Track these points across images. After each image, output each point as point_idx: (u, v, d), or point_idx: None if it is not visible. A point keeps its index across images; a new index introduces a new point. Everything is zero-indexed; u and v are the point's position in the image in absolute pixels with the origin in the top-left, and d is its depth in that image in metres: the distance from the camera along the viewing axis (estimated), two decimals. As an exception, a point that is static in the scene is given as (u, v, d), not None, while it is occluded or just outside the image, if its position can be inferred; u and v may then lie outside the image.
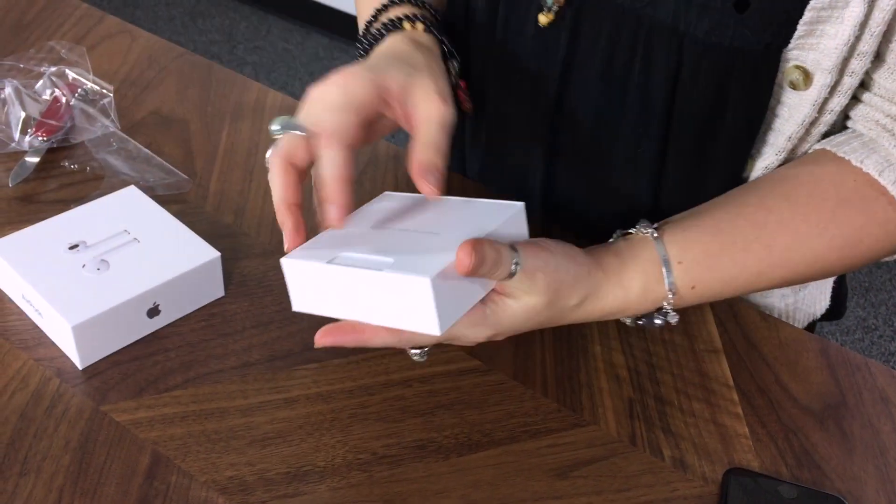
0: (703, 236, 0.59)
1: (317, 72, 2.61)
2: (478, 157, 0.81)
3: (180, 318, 0.64)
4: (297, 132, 0.54)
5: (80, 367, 0.60)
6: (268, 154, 0.56)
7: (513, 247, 0.52)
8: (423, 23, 0.65)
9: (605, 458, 0.57)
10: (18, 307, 0.63)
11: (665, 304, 0.59)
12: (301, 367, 0.62)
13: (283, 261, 0.54)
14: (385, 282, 0.49)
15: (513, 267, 0.51)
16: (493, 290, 0.54)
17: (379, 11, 0.68)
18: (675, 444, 0.58)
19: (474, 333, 0.54)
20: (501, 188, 0.79)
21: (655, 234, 0.58)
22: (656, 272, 0.58)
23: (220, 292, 0.66)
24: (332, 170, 0.52)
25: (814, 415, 0.62)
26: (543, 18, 0.66)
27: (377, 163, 0.81)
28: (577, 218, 0.75)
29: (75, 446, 0.55)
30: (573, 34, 0.66)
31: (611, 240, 0.61)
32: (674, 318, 0.60)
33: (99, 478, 0.53)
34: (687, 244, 0.58)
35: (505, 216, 0.54)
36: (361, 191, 0.78)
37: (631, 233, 0.60)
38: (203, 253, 0.64)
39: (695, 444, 0.59)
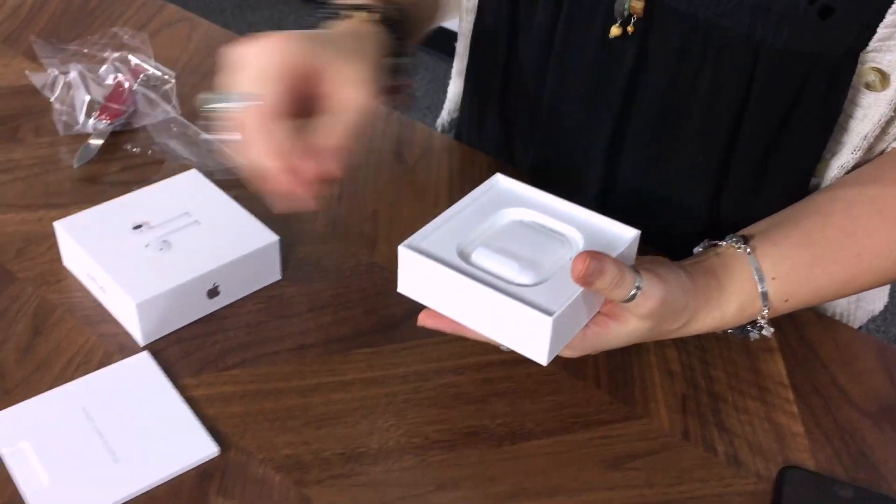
0: (794, 249, 0.58)
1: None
2: (530, 152, 0.81)
3: (239, 300, 0.65)
4: (230, 104, 0.52)
5: (141, 344, 0.61)
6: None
7: (635, 269, 0.52)
8: (376, 12, 0.63)
9: (657, 452, 0.57)
10: (82, 284, 0.65)
11: (759, 318, 0.59)
12: (356, 351, 0.62)
13: (401, 249, 0.53)
14: (505, 305, 0.50)
15: (634, 291, 0.51)
16: (599, 312, 0.54)
17: None
18: (728, 440, 0.58)
19: (567, 353, 0.55)
20: (555, 186, 0.79)
21: (748, 251, 0.58)
22: (751, 291, 0.58)
23: (278, 276, 0.67)
24: (269, 146, 0.51)
25: (870, 416, 0.61)
26: (615, 30, 0.65)
27: (432, 153, 0.82)
28: (636, 220, 0.75)
29: (137, 420, 0.56)
30: (642, 45, 0.65)
31: (697, 249, 0.61)
32: (769, 332, 0.60)
33: (160, 451, 0.55)
34: (779, 259, 0.58)
35: (624, 244, 0.54)
36: (417, 181, 0.78)
37: (720, 245, 0.59)
38: (262, 236, 0.65)
39: (749, 441, 0.58)
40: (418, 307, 0.65)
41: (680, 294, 0.55)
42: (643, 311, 0.53)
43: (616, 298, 0.52)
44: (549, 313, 0.49)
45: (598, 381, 0.61)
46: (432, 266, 0.52)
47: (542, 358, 0.51)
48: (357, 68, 0.55)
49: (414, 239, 0.54)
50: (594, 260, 0.49)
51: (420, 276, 0.53)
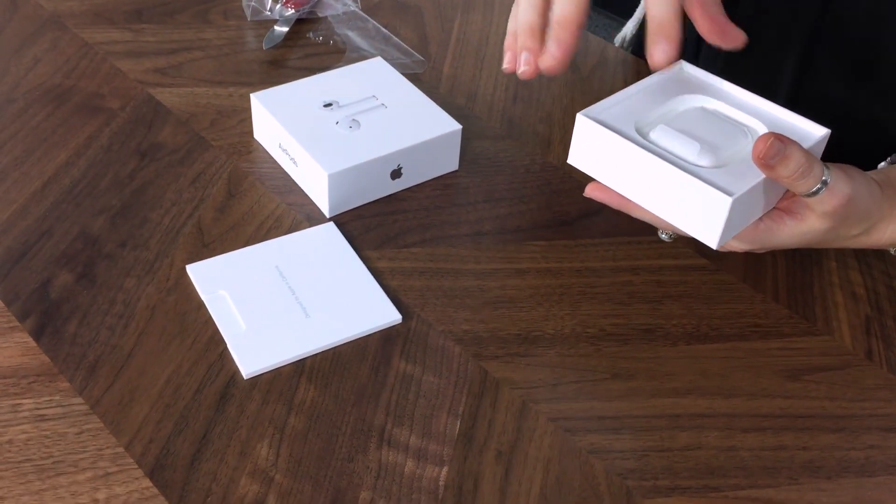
0: None
1: None
2: (712, 67, 0.78)
3: (418, 185, 0.67)
4: None
5: (327, 215, 0.63)
6: None
7: (823, 163, 0.49)
8: None
9: (839, 368, 0.56)
10: (272, 156, 0.68)
11: None
12: (530, 242, 0.63)
13: (579, 117, 0.52)
14: (682, 182, 0.49)
15: (819, 185, 0.49)
16: (774, 207, 0.53)
17: None
18: (915, 365, 0.56)
19: (735, 245, 0.53)
20: (743, 83, 0.77)
21: None
22: None
23: (455, 166, 0.68)
24: (567, 10, 0.53)
25: None
26: None
27: (607, 64, 0.81)
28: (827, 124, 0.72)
29: (323, 284, 0.59)
30: None
31: (882, 165, 0.58)
32: None
33: (344, 314, 0.57)
34: None
35: (812, 141, 0.52)
36: (590, 90, 0.78)
37: None
38: (445, 124, 0.66)
39: (936, 368, 0.56)
40: (593, 207, 0.65)
41: (867, 197, 0.52)
42: (826, 207, 0.50)
43: (799, 191, 0.50)
44: (728, 193, 0.48)
45: (776, 295, 0.60)
46: (610, 137, 0.51)
47: (714, 240, 0.49)
48: None
49: (592, 109, 0.53)
50: (778, 141, 0.47)
51: (595, 146, 0.52)
